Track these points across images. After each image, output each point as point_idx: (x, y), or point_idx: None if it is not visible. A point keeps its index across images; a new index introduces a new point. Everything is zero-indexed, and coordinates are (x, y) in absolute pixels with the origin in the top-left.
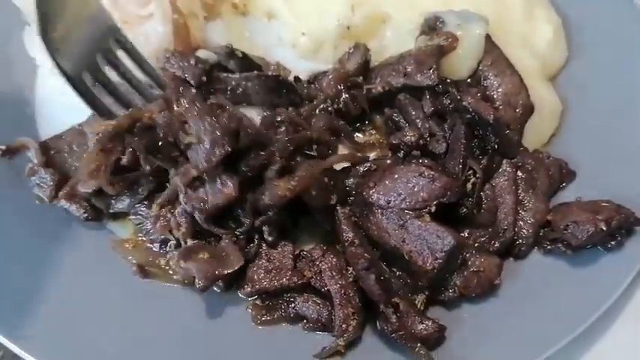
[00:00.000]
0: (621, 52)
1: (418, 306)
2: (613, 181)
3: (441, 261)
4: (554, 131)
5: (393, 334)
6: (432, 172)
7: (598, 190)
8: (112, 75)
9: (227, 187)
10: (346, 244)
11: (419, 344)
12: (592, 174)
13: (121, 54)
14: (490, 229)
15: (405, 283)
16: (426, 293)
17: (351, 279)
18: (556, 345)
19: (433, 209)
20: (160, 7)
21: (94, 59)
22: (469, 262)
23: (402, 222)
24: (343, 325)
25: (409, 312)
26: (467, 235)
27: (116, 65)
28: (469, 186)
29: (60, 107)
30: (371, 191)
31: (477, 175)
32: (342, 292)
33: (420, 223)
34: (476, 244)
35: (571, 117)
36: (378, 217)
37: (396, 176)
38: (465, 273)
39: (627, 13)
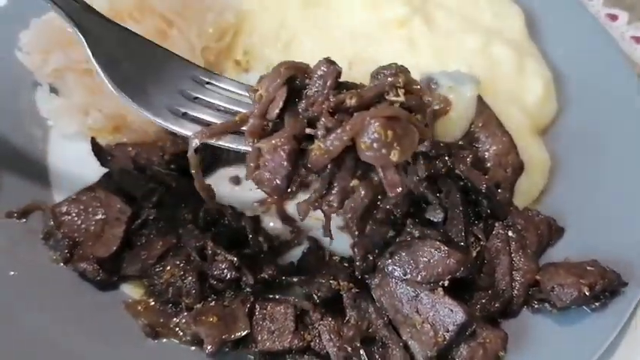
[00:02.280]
0: (611, 105)
1: None
2: (601, 239)
3: (452, 333)
4: (544, 187)
5: None
6: (447, 248)
7: (586, 247)
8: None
9: None
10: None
11: None
12: (580, 231)
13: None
14: (490, 291)
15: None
16: None
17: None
18: None
19: (447, 283)
20: None
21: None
22: (476, 333)
23: (415, 294)
24: None
25: None
26: (469, 298)
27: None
28: (474, 254)
29: (74, 167)
30: (387, 262)
31: (482, 243)
32: (340, 354)
33: (434, 296)
34: (477, 307)
35: (560, 172)
36: (392, 287)
37: (412, 249)
38: (471, 344)
39: (617, 66)
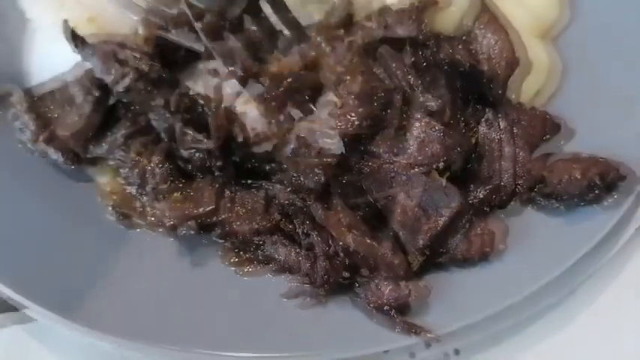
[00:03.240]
0: (626, 14)
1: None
2: (610, 140)
3: (446, 218)
4: (554, 91)
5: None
6: (442, 127)
7: (594, 148)
8: None
9: None
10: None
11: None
12: (589, 133)
13: None
14: (490, 185)
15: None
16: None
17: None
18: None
19: (441, 166)
20: None
21: None
22: (474, 224)
23: (407, 177)
24: (325, 276)
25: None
26: (471, 190)
27: None
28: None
29: (53, 59)
30: (376, 143)
31: (475, 129)
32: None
33: (427, 179)
34: (475, 200)
35: (571, 77)
36: (382, 171)
37: (404, 130)
38: (469, 235)
39: None
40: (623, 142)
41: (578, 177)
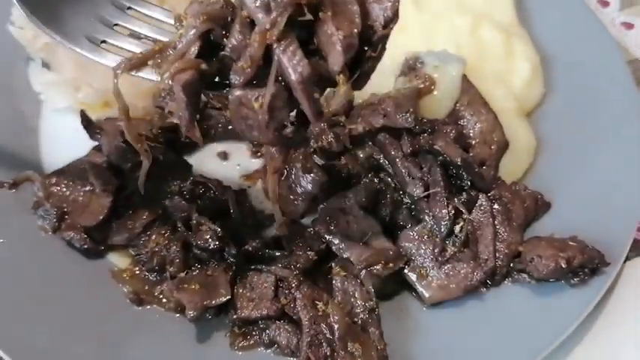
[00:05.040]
0: (598, 89)
1: None
2: (585, 218)
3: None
4: (529, 166)
5: None
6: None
7: (572, 225)
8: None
9: None
10: None
11: None
12: (565, 210)
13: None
14: (472, 262)
15: None
16: None
17: (321, 313)
18: None
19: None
20: None
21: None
22: None
23: None
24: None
25: None
26: (451, 267)
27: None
28: (457, 228)
29: (64, 141)
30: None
31: (464, 217)
32: (312, 322)
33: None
34: (461, 276)
35: (545, 152)
36: None
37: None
38: None
39: (604, 50)
40: (596, 218)
41: (548, 259)
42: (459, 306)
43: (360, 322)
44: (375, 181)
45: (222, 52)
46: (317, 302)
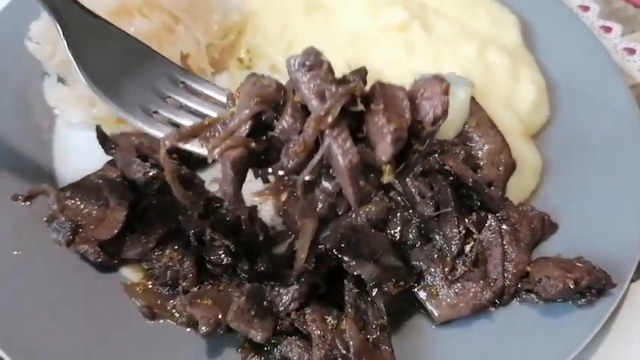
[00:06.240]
0: (601, 113)
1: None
2: (590, 239)
3: None
4: (535, 187)
5: None
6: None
7: (578, 246)
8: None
9: None
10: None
11: None
12: (570, 230)
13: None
14: (481, 281)
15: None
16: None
17: (330, 327)
18: None
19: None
20: None
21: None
22: None
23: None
24: None
25: None
26: (461, 286)
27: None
28: (467, 248)
29: (78, 155)
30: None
31: (474, 237)
32: (323, 336)
33: None
34: (470, 296)
35: (550, 174)
36: None
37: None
38: None
39: (607, 75)
40: (601, 239)
41: (556, 280)
42: (468, 325)
43: (371, 339)
44: (386, 199)
45: (271, 133)
46: (326, 317)
